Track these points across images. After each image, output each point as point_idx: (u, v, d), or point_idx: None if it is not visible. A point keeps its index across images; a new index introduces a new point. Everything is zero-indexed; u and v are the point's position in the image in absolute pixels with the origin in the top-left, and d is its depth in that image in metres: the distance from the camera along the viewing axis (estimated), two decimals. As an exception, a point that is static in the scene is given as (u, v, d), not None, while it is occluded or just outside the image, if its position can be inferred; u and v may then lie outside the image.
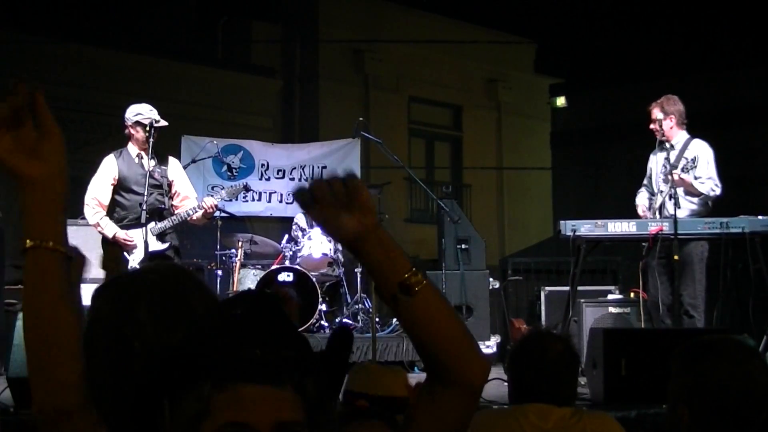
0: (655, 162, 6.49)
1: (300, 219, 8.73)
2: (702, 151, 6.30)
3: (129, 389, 1.17)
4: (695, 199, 6.28)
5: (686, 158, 6.30)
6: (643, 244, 6.21)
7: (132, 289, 1.44)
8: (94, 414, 1.23)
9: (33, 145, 1.23)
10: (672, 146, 6.34)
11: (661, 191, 6.31)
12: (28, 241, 1.23)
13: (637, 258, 6.38)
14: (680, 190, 6.18)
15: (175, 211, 6.08)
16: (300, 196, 1.31)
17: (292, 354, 1.11)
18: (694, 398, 1.85)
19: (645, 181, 6.63)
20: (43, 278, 1.23)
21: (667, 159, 6.30)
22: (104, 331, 1.39)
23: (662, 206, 6.25)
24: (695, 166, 6.21)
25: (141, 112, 5.99)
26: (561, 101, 18.82)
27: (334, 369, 1.68)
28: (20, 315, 4.96)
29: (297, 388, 1.10)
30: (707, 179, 6.20)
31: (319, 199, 1.29)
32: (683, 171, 6.17)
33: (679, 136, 6.36)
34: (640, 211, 6.46)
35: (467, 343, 1.35)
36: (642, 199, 6.54)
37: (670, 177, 6.13)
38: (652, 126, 6.35)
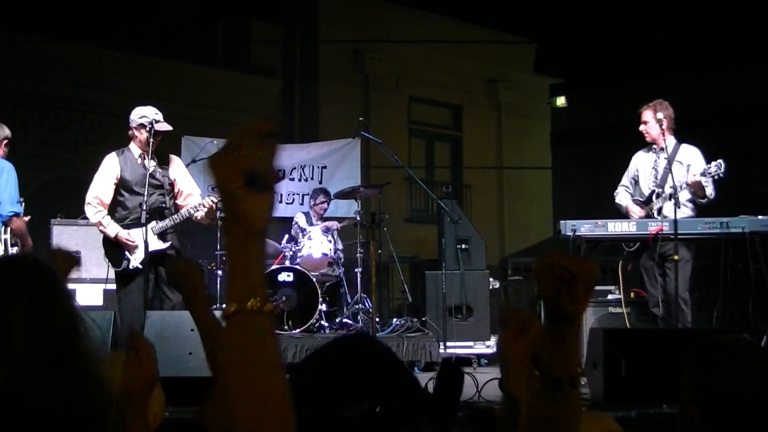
0: (643, 164, 6.48)
1: (300, 218, 8.72)
2: (697, 157, 6.32)
3: None
4: (691, 204, 6.28)
5: (680, 162, 6.29)
6: (631, 244, 6.24)
7: None
8: None
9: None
10: (663, 149, 6.33)
11: (656, 193, 6.29)
12: (239, 303, 1.07)
13: (636, 258, 6.37)
14: (684, 194, 6.17)
15: (179, 210, 6.09)
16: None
17: (390, 406, 1.23)
18: (705, 399, 1.84)
19: (625, 182, 6.59)
20: (264, 346, 1.08)
21: (658, 161, 6.32)
22: None
23: (661, 209, 6.22)
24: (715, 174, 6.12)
25: (145, 115, 6.03)
26: (561, 101, 18.82)
27: (444, 412, 1.68)
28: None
29: None
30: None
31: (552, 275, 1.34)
32: (703, 175, 6.10)
33: (669, 141, 6.37)
34: (630, 212, 6.39)
35: None
36: (626, 199, 6.51)
37: (688, 179, 6.08)
38: (642, 128, 6.36)
